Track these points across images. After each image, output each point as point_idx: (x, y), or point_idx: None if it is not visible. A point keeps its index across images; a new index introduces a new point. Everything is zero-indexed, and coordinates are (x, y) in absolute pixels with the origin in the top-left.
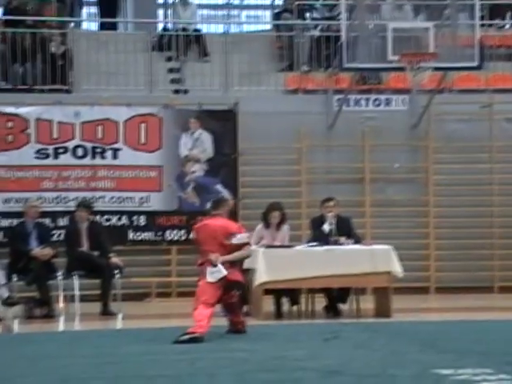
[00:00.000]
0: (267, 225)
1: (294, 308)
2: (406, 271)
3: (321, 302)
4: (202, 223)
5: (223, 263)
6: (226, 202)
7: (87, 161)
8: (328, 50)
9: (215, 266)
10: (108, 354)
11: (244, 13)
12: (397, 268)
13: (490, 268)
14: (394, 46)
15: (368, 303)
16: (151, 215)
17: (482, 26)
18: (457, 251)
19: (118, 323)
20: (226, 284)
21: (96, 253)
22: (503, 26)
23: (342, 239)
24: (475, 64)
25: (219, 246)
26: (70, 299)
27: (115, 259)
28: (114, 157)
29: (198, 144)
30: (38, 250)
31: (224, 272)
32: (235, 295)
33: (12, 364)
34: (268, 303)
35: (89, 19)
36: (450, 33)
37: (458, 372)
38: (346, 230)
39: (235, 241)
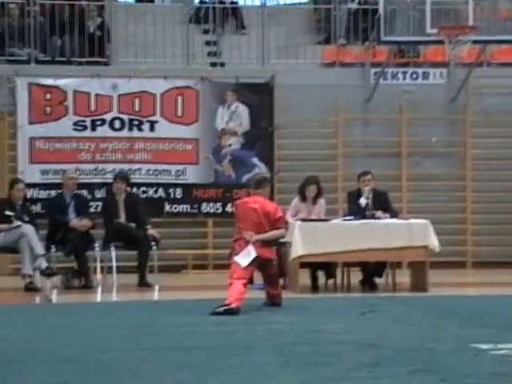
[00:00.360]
0: (304, 198)
1: (330, 281)
2: (443, 246)
3: (357, 276)
4: (242, 200)
5: (255, 242)
6: (268, 182)
7: (124, 133)
8: (365, 23)
9: (248, 244)
10: (145, 325)
11: None
12: (434, 242)
13: None
14: (432, 19)
15: (404, 277)
16: (187, 188)
17: None
18: (494, 226)
19: (155, 295)
20: (258, 262)
21: (133, 224)
22: None
23: (379, 213)
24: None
25: (255, 225)
26: (107, 270)
27: (152, 231)
28: (151, 129)
29: (235, 117)
30: (76, 221)
31: (253, 255)
32: (273, 268)
33: (50, 334)
34: (304, 276)
35: None
36: (489, 5)
37: (497, 347)
38: (382, 204)
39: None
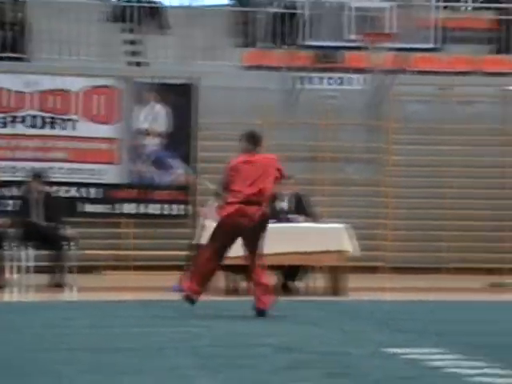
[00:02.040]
0: None
1: (248, 284)
2: (363, 250)
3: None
4: (241, 160)
5: None
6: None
7: (42, 131)
8: (287, 27)
9: None
10: (60, 325)
11: None
12: (348, 247)
13: (440, 249)
14: (354, 24)
15: (323, 281)
16: (106, 188)
17: (439, 8)
18: (412, 232)
19: (71, 295)
20: None
21: (49, 224)
22: (460, 9)
23: (296, 217)
24: (433, 45)
25: (268, 181)
26: (23, 270)
27: (69, 231)
28: (69, 128)
29: (155, 118)
30: None
31: None
32: None
33: None
34: (222, 279)
35: None
36: (409, 14)
37: (408, 351)
38: (302, 207)
39: None
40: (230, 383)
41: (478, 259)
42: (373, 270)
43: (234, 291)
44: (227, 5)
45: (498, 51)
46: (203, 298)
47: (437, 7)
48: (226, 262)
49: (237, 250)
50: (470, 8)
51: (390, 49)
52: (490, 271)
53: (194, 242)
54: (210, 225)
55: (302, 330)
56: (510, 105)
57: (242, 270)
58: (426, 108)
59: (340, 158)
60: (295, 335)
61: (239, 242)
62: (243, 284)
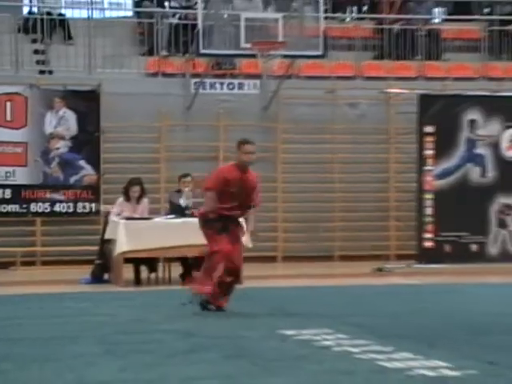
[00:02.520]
0: (128, 198)
1: (152, 275)
2: (259, 242)
3: (177, 270)
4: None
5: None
6: None
7: None
8: (186, 37)
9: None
10: None
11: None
12: (247, 239)
13: (331, 239)
14: (246, 34)
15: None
16: (17, 188)
17: (326, 18)
18: (302, 223)
19: None
20: None
21: None
22: (345, 19)
23: (197, 212)
24: (319, 53)
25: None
26: None
27: None
28: None
29: (63, 122)
30: None
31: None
32: None
33: None
34: (128, 271)
35: None
36: (296, 24)
37: (301, 332)
38: (202, 203)
39: None
40: (132, 367)
41: (364, 247)
42: (268, 259)
43: (137, 282)
44: (130, 16)
45: (378, 57)
46: (111, 288)
47: (322, 17)
48: (132, 254)
49: (141, 243)
50: (352, 18)
51: (280, 56)
52: (377, 257)
53: (104, 237)
54: (117, 222)
55: (201, 316)
56: (389, 106)
57: (146, 262)
58: (314, 110)
59: (234, 157)
60: (194, 321)
61: (145, 235)
62: (146, 275)
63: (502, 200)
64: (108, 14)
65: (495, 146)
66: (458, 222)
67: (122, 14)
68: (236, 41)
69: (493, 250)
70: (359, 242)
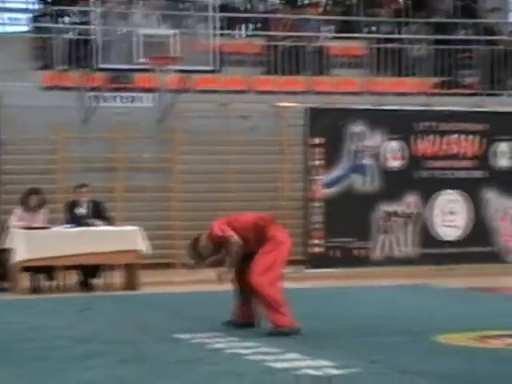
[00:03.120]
0: (26, 208)
1: (51, 283)
2: (155, 249)
3: (76, 277)
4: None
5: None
6: None
7: None
8: (83, 52)
9: None
10: None
11: (5, 15)
12: (143, 246)
13: None
14: (142, 49)
15: (119, 278)
16: None
17: (219, 35)
18: (197, 231)
19: None
20: None
21: None
22: (237, 36)
23: (94, 221)
24: (212, 68)
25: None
26: None
27: None
28: None
29: None
30: None
31: None
32: None
33: None
34: (26, 279)
35: None
36: (191, 40)
37: (195, 336)
38: (98, 213)
39: None
40: (27, 375)
41: None
42: (165, 266)
43: (35, 290)
44: (28, 31)
45: (269, 73)
46: (9, 296)
47: (215, 34)
48: (31, 263)
49: (40, 251)
50: (243, 35)
51: (175, 71)
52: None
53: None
54: (15, 231)
55: (99, 322)
56: (280, 119)
57: (44, 270)
58: (208, 122)
59: (133, 168)
60: (92, 327)
61: (43, 244)
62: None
63: (385, 208)
64: (7, 28)
65: (378, 157)
66: (345, 229)
67: (20, 29)
68: (132, 56)
69: (377, 254)
70: None
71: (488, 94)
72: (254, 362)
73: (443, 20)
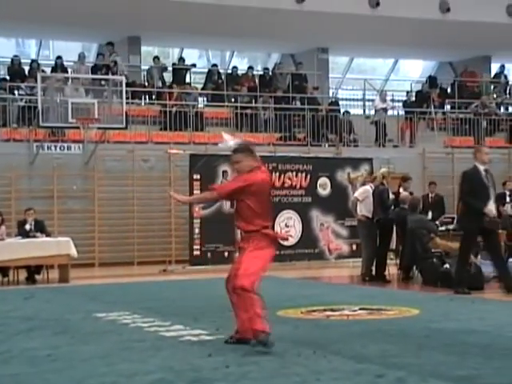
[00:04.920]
0: None
1: (5, 279)
2: (80, 253)
3: (23, 274)
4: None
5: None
6: None
7: None
8: (30, 114)
9: None
10: None
11: None
12: (73, 251)
13: (131, 250)
14: (72, 113)
15: (55, 274)
16: None
17: (127, 103)
18: (112, 240)
19: None
20: None
21: None
22: (140, 103)
23: (37, 234)
24: (123, 126)
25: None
26: None
27: None
28: None
29: None
30: None
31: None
32: None
33: None
34: None
35: None
36: (107, 106)
37: (109, 315)
38: (41, 228)
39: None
40: None
41: (154, 255)
42: (89, 265)
43: None
44: None
45: (163, 129)
46: None
47: (125, 102)
48: None
49: None
50: (145, 103)
51: (96, 128)
52: (162, 262)
53: None
54: None
55: (39, 306)
56: (171, 161)
57: (0, 269)
58: (120, 164)
59: (65, 196)
60: (34, 310)
61: (1, 249)
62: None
63: None
64: None
65: None
66: (216, 238)
67: None
68: (66, 117)
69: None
70: (150, 252)
71: (312, 145)
72: (151, 332)
73: (283, 94)
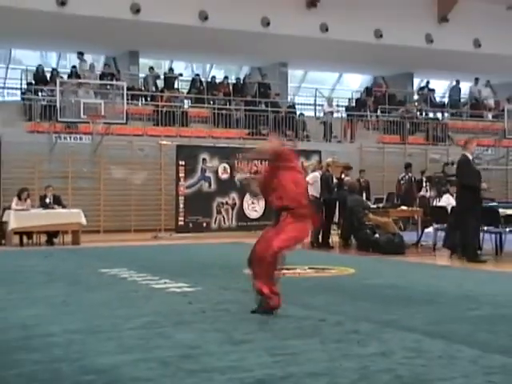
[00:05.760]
0: (20, 198)
1: (30, 241)
2: (89, 221)
3: (44, 238)
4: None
5: None
6: None
7: None
8: (51, 112)
9: None
10: None
11: (5, 91)
12: (83, 220)
13: (129, 220)
14: (84, 111)
15: (69, 238)
16: None
17: (127, 103)
18: (115, 211)
19: None
20: None
21: None
22: (138, 104)
23: (55, 206)
24: (124, 121)
25: None
26: None
27: None
28: None
29: None
30: None
31: None
32: None
33: None
34: (16, 239)
35: None
36: (111, 105)
37: (111, 270)
38: (58, 201)
39: None
40: (16, 291)
41: (148, 224)
42: (95, 231)
43: (21, 245)
44: (19, 100)
45: (156, 124)
46: (5, 248)
47: (126, 103)
48: (19, 230)
49: (24, 223)
50: (141, 104)
51: (102, 123)
52: (154, 230)
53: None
54: (11, 211)
55: (55, 263)
56: (162, 151)
57: (26, 234)
58: (122, 152)
59: (77, 176)
60: (51, 265)
61: (27, 218)
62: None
63: (219, 200)
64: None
65: (216, 172)
66: (197, 211)
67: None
68: (78, 114)
69: (214, 226)
70: (144, 222)
71: None
72: (144, 285)
73: (251, 99)
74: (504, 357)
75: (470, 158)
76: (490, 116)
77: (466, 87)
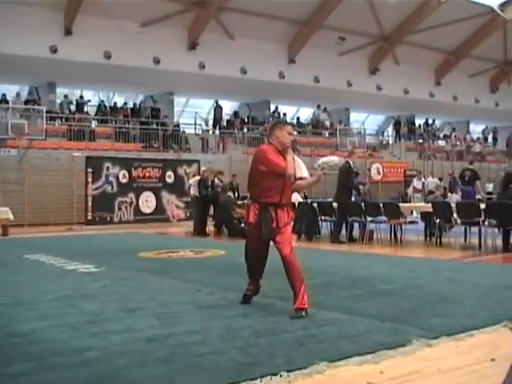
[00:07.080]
0: None
1: None
2: (15, 217)
3: None
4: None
5: None
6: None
7: None
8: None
9: None
10: None
11: None
12: (11, 216)
13: (48, 215)
14: (11, 129)
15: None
16: None
17: (46, 123)
18: (36, 209)
19: None
20: None
21: None
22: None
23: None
24: (43, 138)
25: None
26: None
27: None
28: None
29: None
30: None
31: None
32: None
33: None
34: None
35: None
36: (35, 124)
37: (33, 256)
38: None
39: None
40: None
41: (63, 219)
42: (21, 225)
43: None
44: None
45: (71, 140)
46: None
47: (46, 123)
48: None
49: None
50: (58, 123)
51: (26, 139)
52: (70, 223)
53: None
54: None
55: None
56: (74, 161)
57: None
58: (42, 162)
59: (5, 182)
60: None
61: None
62: None
63: (120, 199)
64: None
65: (117, 177)
66: (102, 208)
67: None
68: (7, 131)
69: (116, 219)
70: (60, 217)
71: (162, 151)
72: (59, 267)
73: (145, 119)
74: (333, 312)
75: (352, 165)
76: (326, 134)
77: (309, 112)
